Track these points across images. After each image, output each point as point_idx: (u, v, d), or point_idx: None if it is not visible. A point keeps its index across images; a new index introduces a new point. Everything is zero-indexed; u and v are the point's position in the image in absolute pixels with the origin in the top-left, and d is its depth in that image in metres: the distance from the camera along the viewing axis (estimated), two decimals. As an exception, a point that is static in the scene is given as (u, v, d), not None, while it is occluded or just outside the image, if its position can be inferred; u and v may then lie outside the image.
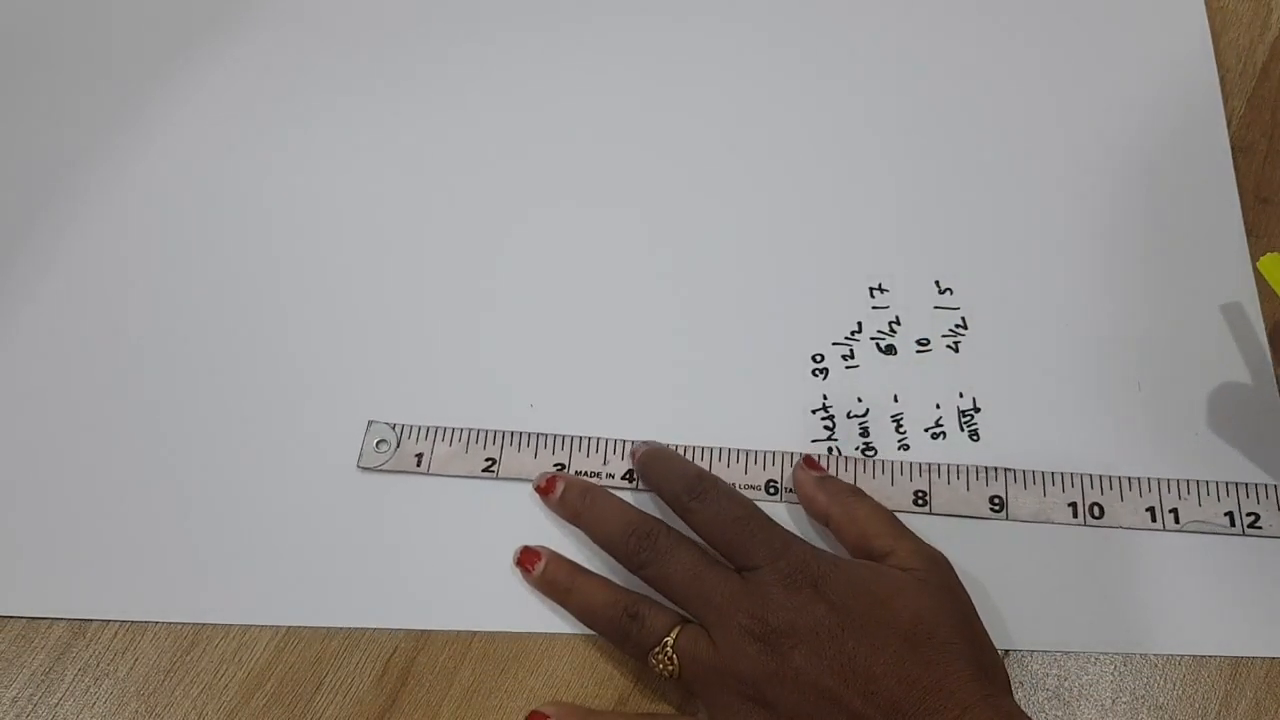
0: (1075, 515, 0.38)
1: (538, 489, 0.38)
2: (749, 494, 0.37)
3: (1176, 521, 0.38)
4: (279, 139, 0.46)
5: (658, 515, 0.37)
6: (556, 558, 0.37)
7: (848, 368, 0.41)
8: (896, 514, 0.37)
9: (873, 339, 0.42)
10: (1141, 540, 0.38)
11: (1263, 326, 0.41)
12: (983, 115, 0.46)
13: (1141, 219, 0.44)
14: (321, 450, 0.39)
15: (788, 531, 0.35)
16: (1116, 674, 0.36)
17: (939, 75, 0.47)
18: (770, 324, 0.42)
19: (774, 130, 0.46)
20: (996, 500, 0.38)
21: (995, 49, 0.48)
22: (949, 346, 0.41)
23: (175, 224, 0.44)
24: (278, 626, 0.37)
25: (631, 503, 0.37)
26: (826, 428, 0.40)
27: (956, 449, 0.39)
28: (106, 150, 0.45)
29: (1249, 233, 0.43)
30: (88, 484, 0.39)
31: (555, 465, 0.39)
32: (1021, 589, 0.37)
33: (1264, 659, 0.36)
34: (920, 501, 0.38)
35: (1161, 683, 0.36)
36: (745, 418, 0.40)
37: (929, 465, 0.39)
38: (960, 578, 0.34)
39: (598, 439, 0.39)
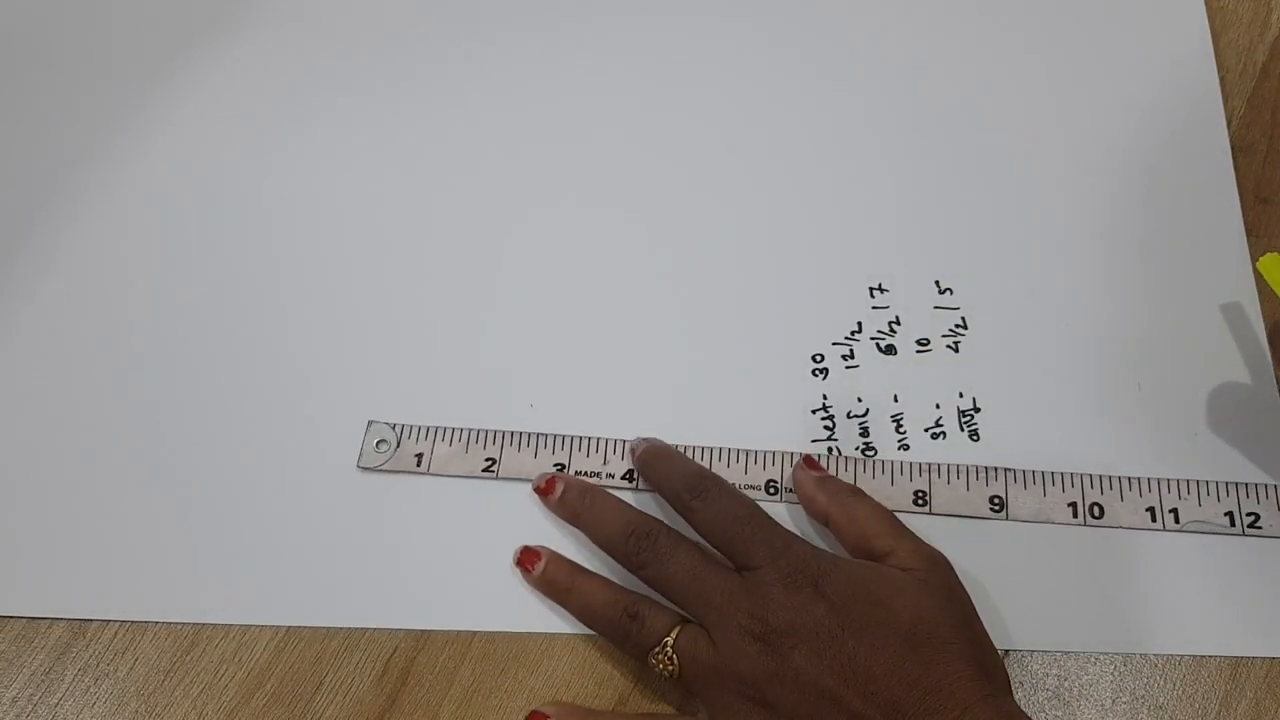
0: (1075, 515, 0.38)
1: (537, 490, 0.38)
2: (749, 494, 0.37)
3: (1176, 521, 0.38)
4: (279, 139, 0.46)
5: (657, 516, 0.37)
6: (556, 558, 0.37)
7: (848, 368, 0.41)
8: (896, 514, 0.37)
9: (873, 339, 0.42)
10: (1141, 540, 0.38)
11: (1263, 326, 0.41)
12: (983, 115, 0.46)
13: (1141, 219, 0.44)
14: (322, 450, 0.39)
15: (788, 531, 0.35)
16: (1116, 674, 0.36)
17: (939, 75, 0.47)
18: (770, 324, 0.42)
19: (774, 130, 0.46)
20: (996, 500, 0.38)
21: (995, 49, 0.48)
22: (949, 346, 0.41)
23: (175, 224, 0.44)
24: (278, 626, 0.37)
25: (631, 503, 0.37)
26: (826, 428, 0.40)
27: (956, 449, 0.39)
28: (106, 150, 0.45)
29: (1249, 233, 0.43)
30: (88, 484, 0.39)
31: (555, 465, 0.39)
32: (1021, 589, 0.37)
33: (1264, 659, 0.36)
34: (920, 501, 0.38)
35: (1161, 683, 0.36)
36: (745, 418, 0.40)
37: (929, 465, 0.39)
38: (960, 578, 0.34)
39: (598, 439, 0.39)
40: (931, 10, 0.49)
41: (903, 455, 0.39)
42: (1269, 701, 0.36)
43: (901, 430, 0.40)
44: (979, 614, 0.34)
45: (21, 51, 0.48)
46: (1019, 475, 0.39)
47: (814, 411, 0.40)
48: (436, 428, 0.40)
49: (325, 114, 0.46)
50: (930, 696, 0.30)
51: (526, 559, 0.37)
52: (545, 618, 0.37)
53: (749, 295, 0.43)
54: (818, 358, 0.41)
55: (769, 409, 0.40)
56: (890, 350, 0.41)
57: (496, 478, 0.39)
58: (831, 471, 0.38)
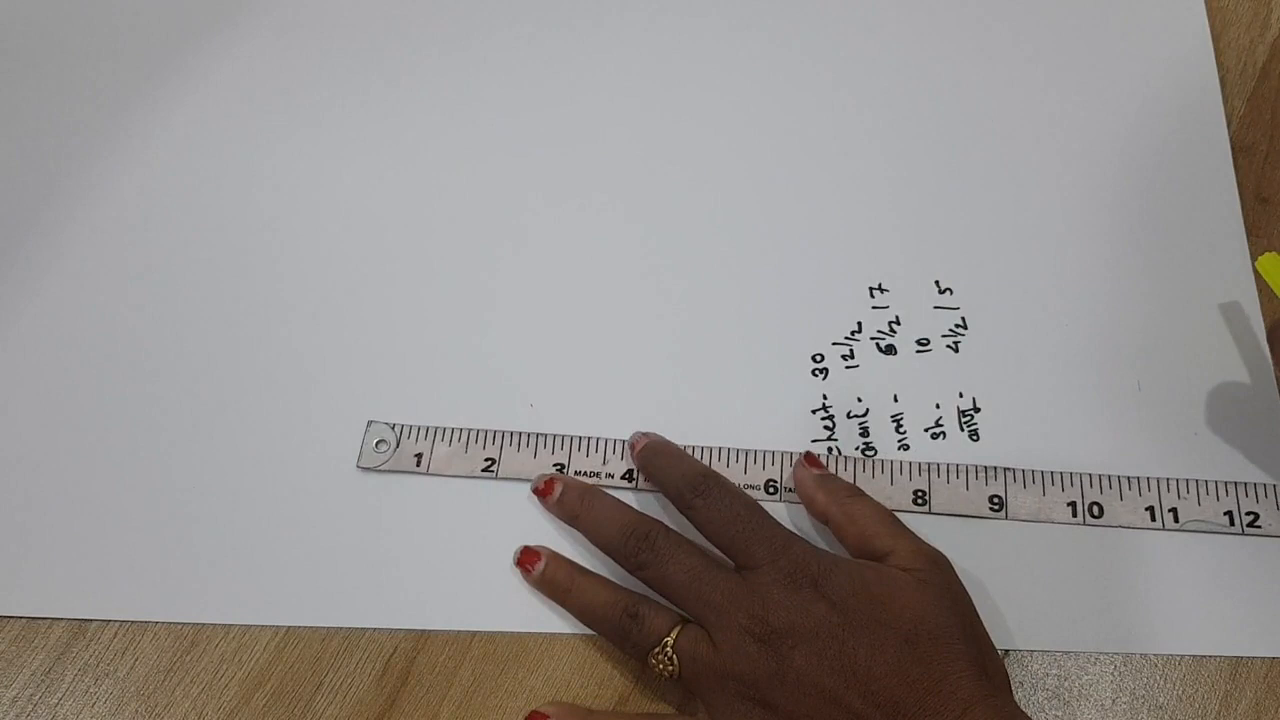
0: (1075, 514, 0.38)
1: (536, 491, 0.38)
2: (749, 494, 0.37)
3: (1176, 521, 0.38)
4: (277, 139, 0.46)
5: (656, 516, 0.37)
6: (556, 558, 0.37)
7: (848, 368, 0.41)
8: (896, 513, 0.37)
9: (873, 339, 0.42)
10: (1141, 540, 0.38)
11: (1262, 326, 0.41)
12: (983, 115, 0.46)
13: (1141, 219, 0.44)
14: (323, 450, 0.39)
15: (789, 531, 0.35)
16: (1116, 674, 0.36)
17: (939, 75, 0.47)
18: (770, 324, 0.42)
19: (774, 131, 0.46)
20: (996, 499, 0.38)
21: (995, 49, 0.48)
22: (949, 346, 0.41)
23: (174, 224, 0.44)
24: (278, 626, 0.37)
25: (630, 504, 0.37)
26: (826, 428, 0.40)
27: (956, 449, 0.39)
28: (104, 150, 0.45)
29: (1249, 233, 0.43)
30: (88, 484, 0.39)
31: (555, 465, 0.39)
32: (1021, 588, 0.37)
33: (1264, 659, 0.36)
34: (920, 501, 0.38)
35: (1161, 683, 0.36)
36: (745, 418, 0.40)
37: (928, 465, 0.39)
38: (960, 577, 0.34)
39: (597, 439, 0.39)
40: (931, 10, 0.49)
41: (903, 455, 0.39)
42: (1269, 701, 0.36)
43: (901, 430, 0.40)
44: (979, 614, 0.34)
45: (22, 51, 0.48)
46: (1018, 475, 0.39)
47: (814, 411, 0.40)
48: (436, 428, 0.40)
49: (324, 114, 0.46)
50: (930, 696, 0.30)
51: (526, 559, 0.37)
52: (545, 618, 0.37)
53: (749, 295, 0.43)
54: (818, 358, 0.41)
55: (769, 409, 0.40)
56: (890, 350, 0.41)
57: (496, 478, 0.39)
58: (831, 471, 0.38)
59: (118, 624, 0.37)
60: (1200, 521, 0.38)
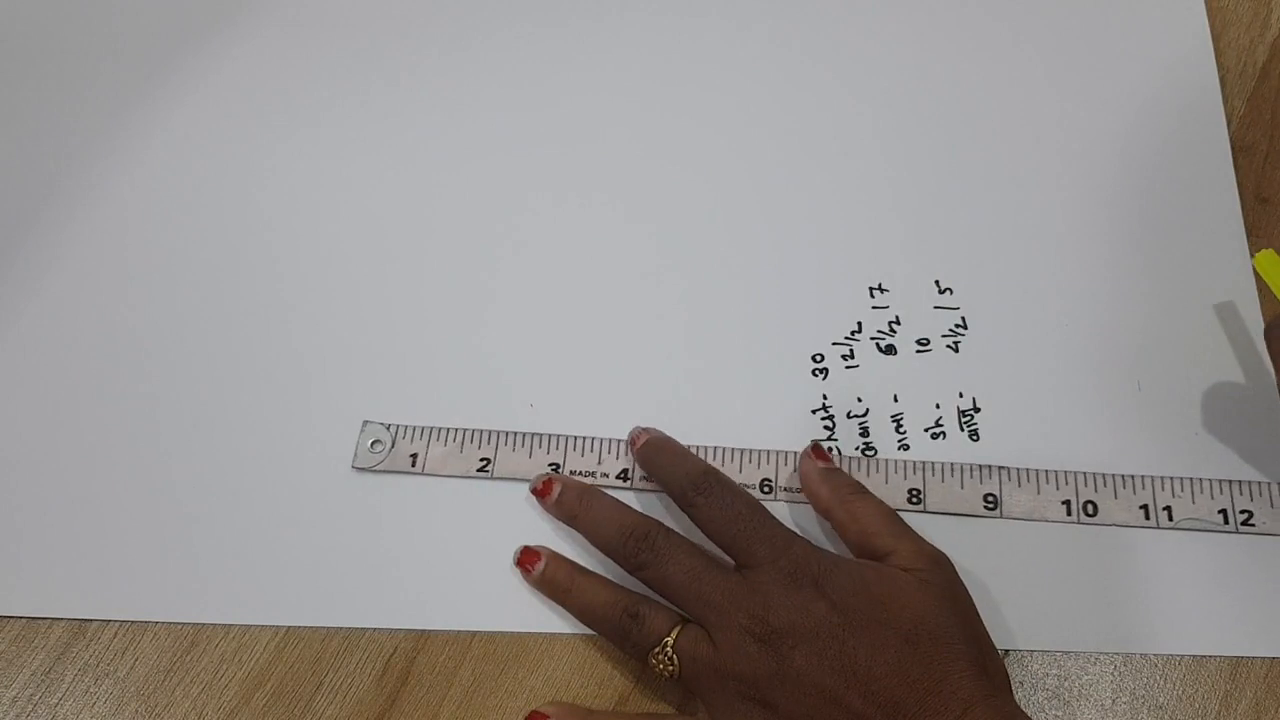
0: (1069, 513, 0.38)
1: (534, 491, 0.38)
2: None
3: (1170, 519, 0.38)
4: (274, 139, 0.46)
5: (655, 516, 0.37)
6: (556, 558, 0.37)
7: (848, 368, 0.41)
8: (893, 513, 0.37)
9: (873, 339, 0.42)
10: (1138, 538, 0.38)
11: (1262, 326, 0.41)
12: (983, 115, 0.46)
13: (1141, 219, 0.44)
14: (322, 450, 0.39)
15: (790, 530, 0.35)
16: (1116, 674, 0.36)
17: (939, 75, 0.47)
18: (770, 324, 0.42)
19: (774, 130, 0.46)
20: (990, 498, 0.38)
21: (995, 49, 0.48)
22: (949, 346, 0.41)
23: (173, 224, 0.44)
24: (278, 626, 0.37)
25: (629, 504, 0.37)
26: (826, 428, 0.40)
27: (956, 449, 0.39)
28: (105, 150, 0.45)
29: (1249, 233, 0.43)
30: (88, 484, 0.39)
31: (550, 465, 0.39)
32: (1017, 587, 0.37)
33: (1264, 659, 0.36)
34: (914, 500, 0.38)
35: (1161, 683, 0.36)
36: (745, 418, 0.40)
37: (923, 463, 0.39)
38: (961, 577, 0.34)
39: (592, 439, 0.39)
40: (931, 10, 0.49)
41: (903, 455, 0.39)
42: (1269, 701, 0.36)
43: (901, 430, 0.40)
44: (979, 614, 0.34)
45: (22, 51, 0.48)
46: (1013, 473, 0.39)
47: (814, 411, 0.40)
48: (431, 428, 0.40)
49: (323, 114, 0.46)
50: (931, 696, 0.30)
51: (526, 559, 0.37)
52: (545, 618, 0.37)
53: (749, 295, 0.43)
54: (818, 358, 0.41)
55: (769, 409, 0.40)
56: (890, 350, 0.41)
57: (491, 478, 0.39)
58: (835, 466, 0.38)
59: (118, 624, 0.37)
60: (1194, 520, 0.38)
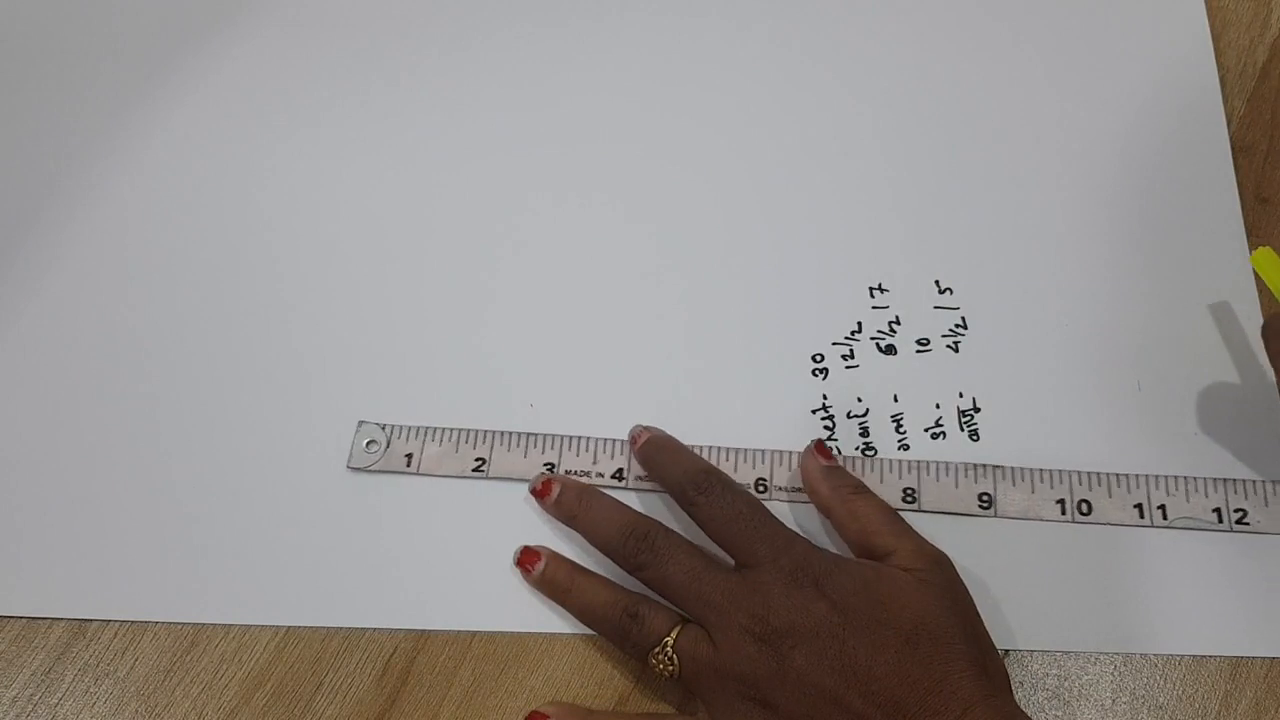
0: (1064, 512, 0.38)
1: (533, 492, 0.38)
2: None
3: (1165, 518, 0.38)
4: (274, 139, 0.46)
5: (654, 516, 0.37)
6: (556, 558, 0.37)
7: (848, 368, 0.41)
8: (889, 512, 0.36)
9: (873, 339, 0.42)
10: (1138, 538, 0.38)
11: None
12: (983, 115, 0.46)
13: (1141, 219, 0.44)
14: (322, 450, 0.39)
15: (791, 529, 0.35)
16: (1116, 674, 0.36)
17: (939, 75, 0.47)
18: (770, 324, 0.42)
19: (774, 130, 0.46)
20: (985, 497, 0.38)
21: (995, 49, 0.48)
22: (949, 346, 0.41)
23: (171, 225, 0.44)
24: (278, 626, 0.37)
25: (627, 504, 0.37)
26: (826, 428, 0.40)
27: (956, 449, 0.39)
28: (105, 150, 0.45)
29: (1249, 233, 0.43)
30: (88, 484, 0.39)
31: (545, 465, 0.39)
32: (1012, 586, 0.37)
33: (1264, 659, 0.36)
34: (909, 499, 0.38)
35: (1161, 683, 0.36)
36: (745, 418, 0.40)
37: (918, 462, 0.39)
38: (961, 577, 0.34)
39: (587, 438, 0.39)
40: (931, 10, 0.49)
41: (903, 455, 0.39)
42: (1269, 701, 0.36)
43: (901, 430, 0.40)
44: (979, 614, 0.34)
45: (22, 51, 0.48)
46: (1007, 472, 0.39)
47: (814, 411, 0.40)
48: (426, 428, 0.40)
49: (322, 113, 0.46)
50: (931, 696, 0.30)
51: (526, 559, 0.37)
52: (545, 618, 0.37)
53: (749, 295, 0.43)
54: (818, 358, 0.41)
55: (769, 409, 0.40)
56: (890, 350, 0.41)
57: (486, 477, 0.39)
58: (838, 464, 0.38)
59: (118, 624, 0.37)
60: (1188, 519, 0.38)
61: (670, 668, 0.33)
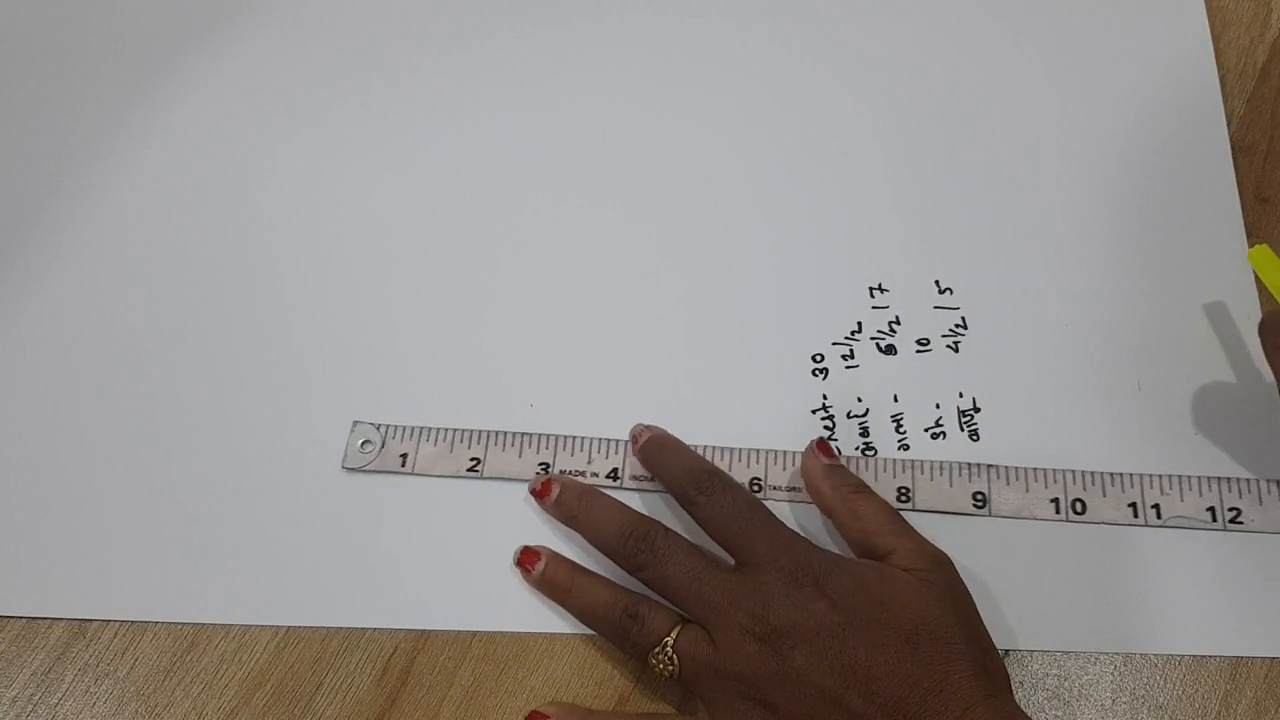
0: (1057, 511, 0.38)
1: (533, 492, 0.38)
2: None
3: (1159, 517, 0.38)
4: (274, 139, 0.46)
5: (653, 516, 0.37)
6: (556, 557, 0.37)
7: (848, 368, 0.41)
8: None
9: (873, 339, 0.42)
10: (1137, 537, 0.38)
11: (1263, 326, 0.41)
12: (983, 115, 0.46)
13: (1141, 219, 0.44)
14: (322, 450, 0.39)
15: (792, 529, 0.35)
16: (1116, 674, 0.36)
17: (939, 75, 0.47)
18: (770, 324, 0.42)
19: (774, 130, 0.46)
20: (979, 496, 0.38)
21: (995, 49, 0.48)
22: (949, 346, 0.41)
23: (170, 225, 0.44)
24: (278, 626, 0.37)
25: (626, 504, 0.37)
26: (826, 428, 0.40)
27: (956, 449, 0.39)
28: (105, 150, 0.45)
29: (1249, 233, 0.43)
30: (88, 484, 0.39)
31: (540, 464, 0.39)
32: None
33: (1264, 659, 0.36)
34: (904, 498, 0.38)
35: (1161, 683, 0.36)
36: (745, 418, 0.40)
37: (912, 462, 0.39)
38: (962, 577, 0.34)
39: (582, 438, 0.39)
40: (931, 10, 0.49)
41: (903, 455, 0.39)
42: (1269, 701, 0.36)
43: (901, 430, 0.40)
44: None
45: (22, 51, 0.48)
46: (1001, 471, 0.39)
47: (814, 411, 0.40)
48: (421, 428, 0.40)
49: (322, 113, 0.46)
50: (931, 696, 0.30)
51: (526, 559, 0.37)
52: (545, 618, 0.37)
53: (749, 295, 0.43)
54: (818, 358, 0.41)
55: (769, 409, 0.40)
56: (890, 350, 0.41)
57: (481, 477, 0.39)
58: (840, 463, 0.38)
59: (118, 624, 0.37)
60: (1182, 518, 0.38)
61: (670, 668, 0.33)
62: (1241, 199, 0.44)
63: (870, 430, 0.40)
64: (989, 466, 0.39)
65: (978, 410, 0.40)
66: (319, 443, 0.39)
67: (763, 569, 0.33)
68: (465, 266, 0.43)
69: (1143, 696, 0.36)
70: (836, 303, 0.42)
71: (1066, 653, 0.36)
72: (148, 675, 0.36)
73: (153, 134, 0.46)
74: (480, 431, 0.39)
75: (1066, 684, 0.36)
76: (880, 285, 0.43)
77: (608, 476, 0.39)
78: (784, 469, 0.39)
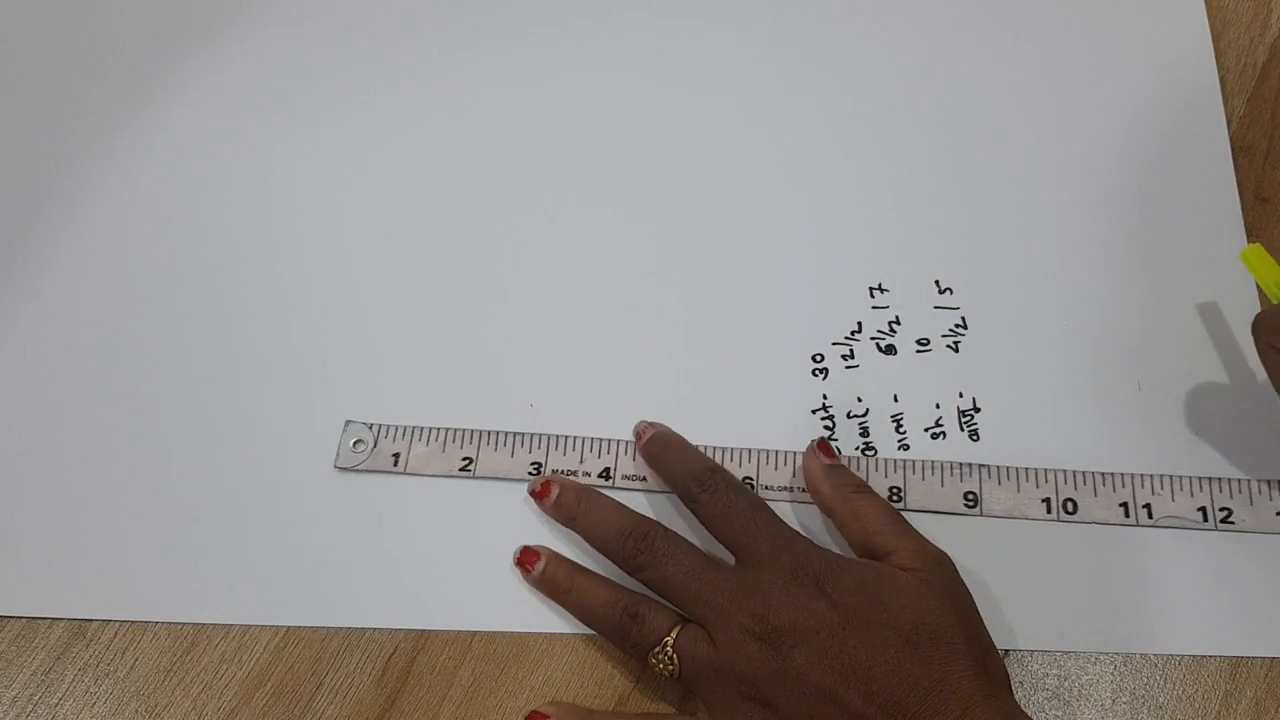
0: (1049, 511, 0.38)
1: (532, 493, 0.38)
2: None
3: (1150, 517, 0.38)
4: (274, 139, 0.46)
5: (651, 517, 0.37)
6: (556, 557, 0.37)
7: (848, 368, 0.41)
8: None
9: (873, 339, 0.42)
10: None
11: (1263, 326, 0.41)
12: (983, 115, 0.46)
13: (1141, 219, 0.44)
14: (323, 450, 0.39)
15: (793, 529, 0.35)
16: (1116, 674, 0.36)
17: (939, 75, 0.47)
18: (770, 324, 0.42)
19: (774, 130, 0.46)
20: (971, 496, 0.38)
21: (995, 49, 0.48)
22: (949, 346, 0.41)
23: (170, 225, 0.44)
24: (278, 626, 0.37)
25: (625, 504, 0.37)
26: (827, 428, 0.40)
27: (957, 449, 0.39)
28: (105, 150, 0.45)
29: (1249, 233, 0.43)
30: (88, 484, 0.39)
31: (532, 464, 0.39)
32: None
33: (1264, 659, 0.36)
34: (895, 498, 0.38)
35: (1161, 683, 0.36)
36: (745, 418, 0.40)
37: (903, 461, 0.39)
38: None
39: (574, 437, 0.39)
40: (931, 10, 0.49)
41: (903, 455, 0.39)
42: (1269, 701, 0.36)
43: (901, 430, 0.40)
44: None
45: (22, 51, 0.48)
46: (993, 471, 0.39)
47: (814, 411, 0.40)
48: (413, 427, 0.40)
49: (322, 113, 0.46)
50: (931, 696, 0.30)
51: (526, 559, 0.37)
52: (545, 618, 0.37)
53: (749, 295, 0.43)
54: (818, 358, 0.41)
55: (769, 409, 0.40)
56: (890, 350, 0.41)
57: (474, 477, 0.39)
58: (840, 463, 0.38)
59: (118, 624, 0.37)
60: (1173, 518, 0.38)
61: (670, 667, 0.33)
62: (1241, 199, 0.44)
63: (870, 430, 0.40)
64: (980, 466, 0.39)
65: (978, 410, 0.40)
66: (314, 442, 0.39)
67: (763, 568, 0.33)
68: (465, 266, 0.43)
69: (1143, 696, 0.36)
70: (836, 303, 0.42)
71: (1066, 653, 0.36)
72: (148, 675, 0.36)
73: (153, 134, 0.46)
74: (472, 431, 0.39)
75: (1066, 684, 0.36)
76: (880, 285, 0.43)
77: (599, 476, 0.39)
78: (775, 468, 0.39)
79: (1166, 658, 0.36)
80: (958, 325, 0.42)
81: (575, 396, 0.40)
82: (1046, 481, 0.38)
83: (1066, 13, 0.48)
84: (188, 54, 0.48)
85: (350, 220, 0.44)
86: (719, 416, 0.40)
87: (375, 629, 0.37)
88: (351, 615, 0.37)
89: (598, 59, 0.48)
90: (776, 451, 0.39)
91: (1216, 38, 0.48)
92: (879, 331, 0.42)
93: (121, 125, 0.46)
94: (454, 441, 0.39)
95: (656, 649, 0.33)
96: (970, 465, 0.39)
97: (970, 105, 0.46)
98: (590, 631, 0.36)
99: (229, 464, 0.39)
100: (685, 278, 0.43)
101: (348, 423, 0.40)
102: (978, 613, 0.34)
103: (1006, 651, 0.36)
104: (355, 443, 0.39)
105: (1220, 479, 0.38)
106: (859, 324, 0.42)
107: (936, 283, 0.43)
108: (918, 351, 0.41)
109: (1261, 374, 0.40)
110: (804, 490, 0.38)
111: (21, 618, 0.37)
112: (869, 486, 0.37)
